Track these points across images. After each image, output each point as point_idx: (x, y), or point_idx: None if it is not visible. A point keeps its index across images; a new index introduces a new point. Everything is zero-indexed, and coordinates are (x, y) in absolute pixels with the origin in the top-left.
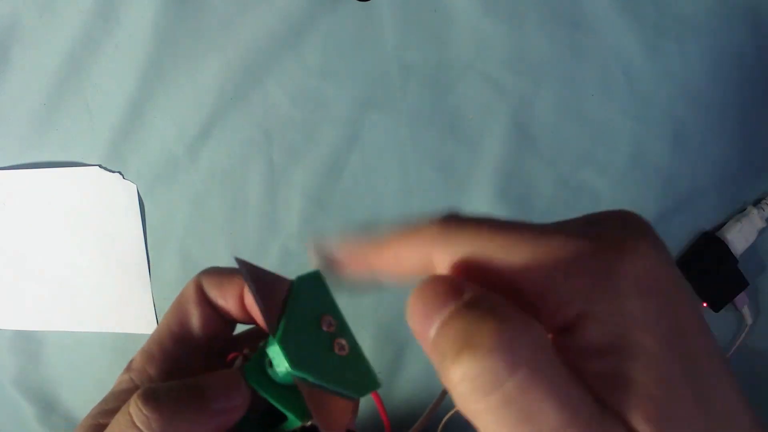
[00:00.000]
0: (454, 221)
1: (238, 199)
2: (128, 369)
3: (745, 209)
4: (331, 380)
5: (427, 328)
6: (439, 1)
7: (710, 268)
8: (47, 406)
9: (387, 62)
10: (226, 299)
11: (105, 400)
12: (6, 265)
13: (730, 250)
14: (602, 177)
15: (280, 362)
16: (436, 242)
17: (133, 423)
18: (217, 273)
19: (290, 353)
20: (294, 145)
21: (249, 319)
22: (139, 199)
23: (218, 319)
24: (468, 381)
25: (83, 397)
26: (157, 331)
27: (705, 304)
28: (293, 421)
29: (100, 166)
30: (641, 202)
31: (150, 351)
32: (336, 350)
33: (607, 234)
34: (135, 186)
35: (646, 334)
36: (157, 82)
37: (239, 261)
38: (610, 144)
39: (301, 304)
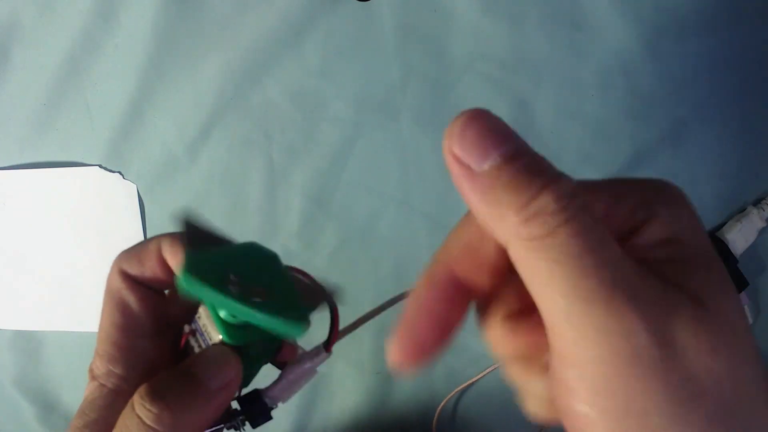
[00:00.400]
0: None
1: (238, 199)
2: (93, 377)
3: (745, 209)
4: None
5: (484, 159)
6: (439, 1)
7: None
8: (47, 406)
9: (387, 62)
10: (146, 266)
11: (82, 412)
12: (6, 265)
13: (730, 250)
14: (602, 177)
15: (219, 304)
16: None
17: (145, 423)
18: (128, 251)
19: (189, 268)
20: (294, 145)
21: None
22: (139, 199)
23: (152, 293)
24: (543, 213)
25: (82, 396)
26: (102, 332)
27: None
28: (286, 330)
29: (100, 166)
30: None
31: (106, 352)
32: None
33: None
34: (135, 186)
35: (698, 236)
36: (157, 82)
37: (183, 218)
38: (610, 144)
39: (225, 254)
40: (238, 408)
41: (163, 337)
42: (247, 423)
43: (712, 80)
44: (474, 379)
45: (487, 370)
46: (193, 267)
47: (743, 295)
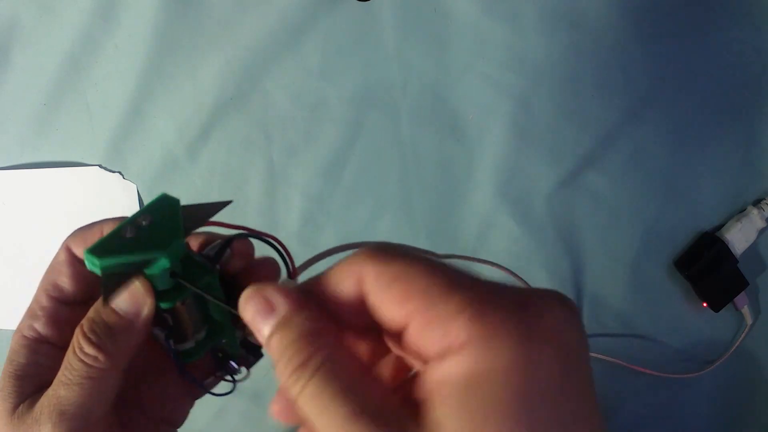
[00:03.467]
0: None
1: (238, 199)
2: (17, 330)
3: (745, 209)
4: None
5: (261, 327)
6: (439, 1)
7: (710, 268)
8: None
9: (387, 62)
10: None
11: (9, 359)
12: (6, 265)
13: (730, 250)
14: (602, 177)
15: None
16: (366, 265)
17: (83, 361)
18: (80, 230)
19: (96, 251)
20: (294, 145)
21: None
22: (139, 199)
23: (86, 270)
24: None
25: None
26: (36, 293)
27: (705, 304)
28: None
29: (100, 166)
30: (641, 202)
31: (33, 311)
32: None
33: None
34: (135, 186)
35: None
36: (157, 82)
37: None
38: (610, 144)
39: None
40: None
41: (86, 307)
42: (243, 368)
43: (712, 80)
44: None
45: None
46: (97, 247)
47: (743, 295)
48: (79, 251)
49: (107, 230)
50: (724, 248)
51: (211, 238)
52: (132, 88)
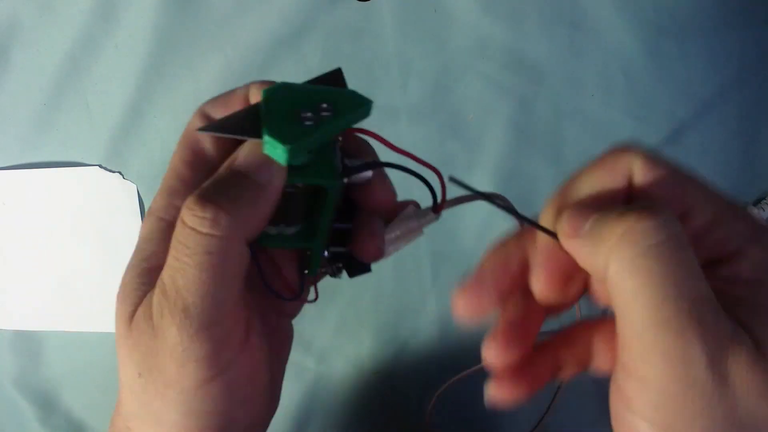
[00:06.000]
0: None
1: None
2: (150, 213)
3: (745, 209)
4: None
5: (583, 222)
6: (439, 1)
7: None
8: (47, 406)
9: (387, 62)
10: (230, 110)
11: (139, 248)
12: (6, 265)
13: None
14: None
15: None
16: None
17: (200, 233)
18: (216, 97)
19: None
20: None
21: None
22: (139, 199)
23: (228, 142)
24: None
25: (83, 397)
26: (170, 168)
27: None
28: (329, 183)
29: (100, 166)
30: None
31: (170, 186)
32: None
33: None
34: (135, 186)
35: None
36: (157, 82)
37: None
38: (610, 144)
39: (276, 105)
40: (336, 255)
41: None
42: (343, 271)
43: (711, 80)
44: (465, 373)
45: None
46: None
47: None
48: (216, 114)
49: (254, 94)
50: None
51: (358, 149)
52: (132, 88)
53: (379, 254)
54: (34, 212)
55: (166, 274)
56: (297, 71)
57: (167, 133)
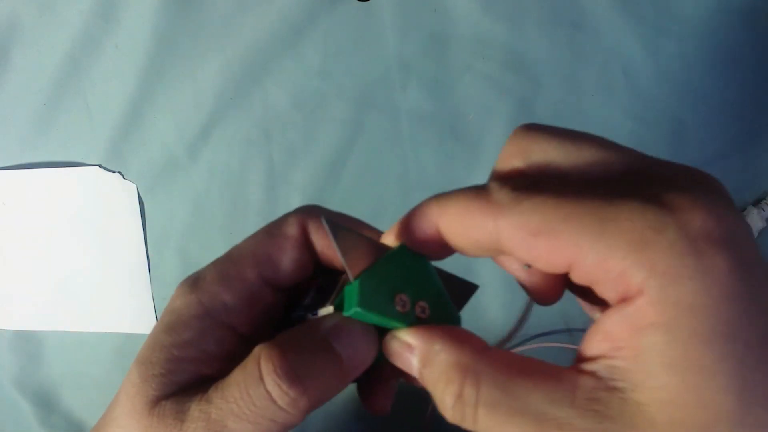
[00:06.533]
0: (523, 191)
1: (238, 199)
2: (195, 288)
3: (745, 209)
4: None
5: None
6: (439, 1)
7: None
8: (47, 406)
9: (387, 62)
10: (282, 265)
11: (172, 328)
12: (6, 265)
13: None
14: None
15: (350, 303)
16: (503, 211)
17: (275, 403)
18: (331, 213)
19: (364, 293)
20: (294, 145)
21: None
22: (139, 199)
23: (309, 264)
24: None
25: (83, 397)
26: (238, 255)
27: None
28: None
29: (100, 166)
30: None
31: (227, 273)
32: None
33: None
34: (135, 186)
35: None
36: (157, 82)
37: (327, 220)
38: None
39: (388, 268)
40: None
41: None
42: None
43: (711, 80)
44: None
45: None
46: (365, 294)
47: None
48: (318, 240)
49: (313, 235)
50: None
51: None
52: (132, 88)
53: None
54: (34, 212)
55: (216, 406)
56: (297, 71)
57: (167, 133)
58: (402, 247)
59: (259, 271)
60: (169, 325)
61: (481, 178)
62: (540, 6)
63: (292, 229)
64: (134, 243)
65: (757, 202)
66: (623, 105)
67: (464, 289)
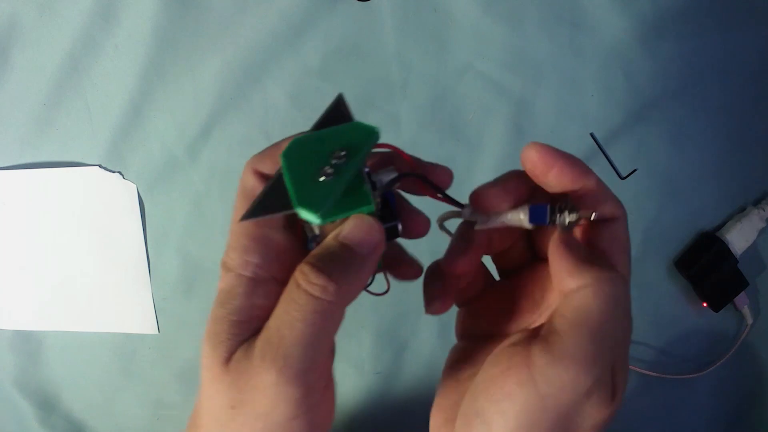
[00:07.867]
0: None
1: None
2: (227, 269)
3: (745, 209)
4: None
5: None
6: (439, 1)
7: (710, 268)
8: (47, 406)
9: (387, 62)
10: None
11: (222, 302)
12: (6, 265)
13: (730, 250)
14: (602, 177)
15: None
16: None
17: (313, 296)
18: (261, 153)
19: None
20: None
21: None
22: (139, 199)
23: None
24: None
25: (83, 397)
26: (236, 226)
27: (705, 304)
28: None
29: (100, 166)
30: (641, 202)
31: (241, 244)
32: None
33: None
34: (135, 186)
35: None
36: (157, 82)
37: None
38: (610, 144)
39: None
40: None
41: (292, 228)
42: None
43: (711, 80)
44: None
45: None
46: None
47: (743, 295)
48: (267, 169)
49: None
50: (724, 248)
51: (381, 161)
52: (132, 88)
53: (427, 229)
54: (34, 212)
55: (273, 324)
56: (297, 71)
57: (167, 133)
58: (292, 142)
59: (259, 227)
60: (219, 301)
61: (482, 177)
62: (540, 6)
63: (250, 182)
64: (134, 243)
65: (757, 202)
66: (623, 105)
67: (338, 108)
